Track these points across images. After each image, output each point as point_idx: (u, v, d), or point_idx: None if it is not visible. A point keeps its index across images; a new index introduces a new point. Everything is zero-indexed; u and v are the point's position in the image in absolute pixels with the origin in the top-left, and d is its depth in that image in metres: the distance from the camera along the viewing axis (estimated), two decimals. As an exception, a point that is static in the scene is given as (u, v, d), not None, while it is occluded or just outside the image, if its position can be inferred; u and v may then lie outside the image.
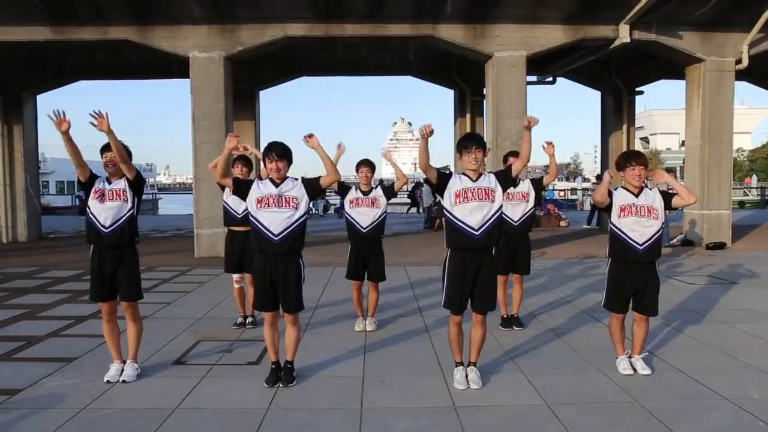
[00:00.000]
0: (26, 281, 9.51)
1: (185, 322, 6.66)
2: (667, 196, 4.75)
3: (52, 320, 6.81)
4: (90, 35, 11.90)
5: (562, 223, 18.82)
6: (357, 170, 6.21)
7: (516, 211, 6.12)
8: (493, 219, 4.40)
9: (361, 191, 6.18)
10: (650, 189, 4.76)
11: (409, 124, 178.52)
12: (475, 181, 4.42)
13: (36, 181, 16.58)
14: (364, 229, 6.09)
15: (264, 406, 4.22)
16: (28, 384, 4.66)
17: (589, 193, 23.56)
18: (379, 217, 6.13)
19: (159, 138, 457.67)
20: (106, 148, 4.67)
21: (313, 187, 4.57)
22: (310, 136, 4.53)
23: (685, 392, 4.43)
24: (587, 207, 25.02)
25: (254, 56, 13.11)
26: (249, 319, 6.46)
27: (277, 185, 4.49)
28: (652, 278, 4.74)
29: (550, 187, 42.25)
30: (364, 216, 6.10)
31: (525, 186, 6.12)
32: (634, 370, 4.79)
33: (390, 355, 5.39)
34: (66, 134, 4.40)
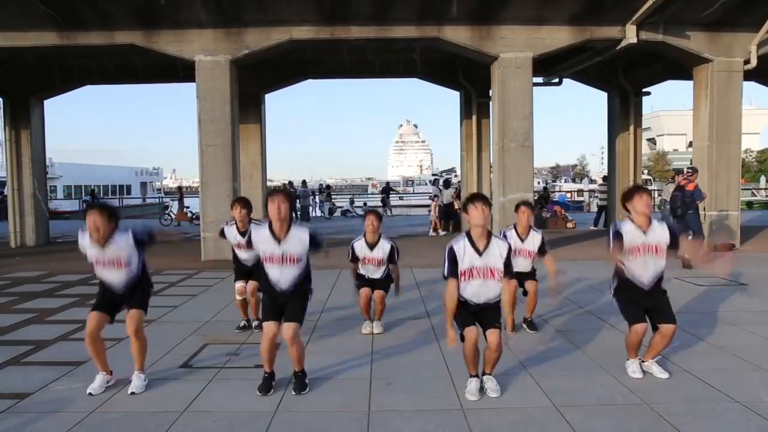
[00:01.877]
0: (34, 285, 9.56)
1: (192, 325, 6.68)
2: (674, 239, 4.67)
3: (60, 324, 6.84)
4: (97, 40, 11.97)
5: (569, 225, 18.77)
6: (364, 218, 6.35)
7: (522, 264, 6.11)
8: (495, 297, 4.38)
9: (367, 242, 6.28)
10: (658, 222, 4.71)
11: (415, 126, 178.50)
12: (481, 253, 4.29)
13: (44, 186, 16.67)
14: (375, 278, 6.34)
15: (272, 409, 4.22)
16: (37, 388, 4.68)
17: (596, 194, 23.46)
18: (386, 270, 6.36)
19: (165, 141, 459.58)
20: (90, 210, 4.54)
21: (312, 251, 4.63)
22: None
23: (694, 395, 4.40)
24: (594, 209, 24.93)
25: (260, 60, 13.14)
26: (255, 323, 6.46)
27: (279, 241, 4.49)
28: (659, 295, 4.74)
29: (558, 192, 42.02)
30: (371, 273, 6.35)
31: (532, 244, 6.14)
32: (644, 372, 4.77)
33: (397, 358, 5.38)
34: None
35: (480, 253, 4.30)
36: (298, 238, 4.51)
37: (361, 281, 6.39)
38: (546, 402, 4.29)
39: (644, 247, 4.61)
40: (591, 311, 7.11)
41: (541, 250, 6.18)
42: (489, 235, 4.36)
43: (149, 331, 6.45)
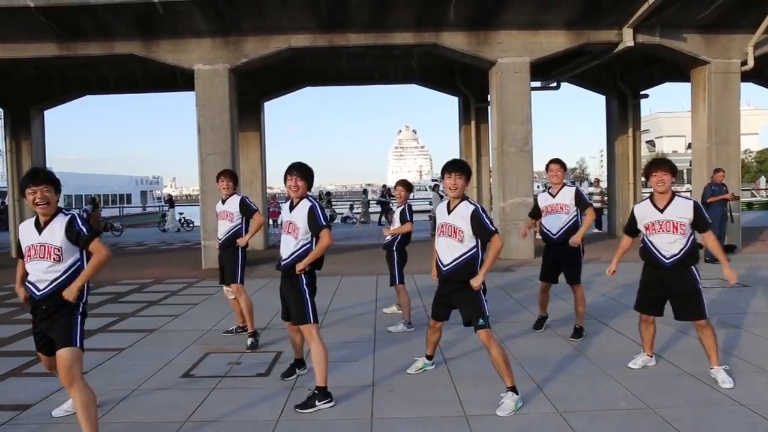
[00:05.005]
0: (35, 296, 9.52)
1: (194, 334, 6.67)
2: (699, 221, 4.62)
3: (61, 334, 6.80)
4: (96, 50, 12.02)
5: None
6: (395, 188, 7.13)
7: (555, 224, 6.06)
8: (460, 258, 4.36)
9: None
10: (684, 199, 4.69)
11: (414, 131, 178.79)
12: (449, 213, 4.42)
13: (44, 196, 16.67)
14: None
15: (274, 418, 4.20)
16: (38, 399, 4.67)
17: (595, 197, 23.43)
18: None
19: (165, 150, 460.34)
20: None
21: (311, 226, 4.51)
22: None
23: (699, 398, 4.38)
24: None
25: (258, 68, 13.19)
26: (249, 338, 6.21)
27: (291, 208, 4.60)
28: (685, 283, 4.67)
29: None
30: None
31: (566, 197, 6.01)
32: (643, 366, 5.02)
33: (399, 365, 5.35)
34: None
35: (449, 213, 4.43)
36: (301, 209, 4.51)
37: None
38: (549, 408, 4.27)
39: (660, 223, 4.66)
40: (593, 315, 7.08)
41: (580, 204, 6.01)
42: (460, 199, 4.42)
43: (151, 340, 6.49)
